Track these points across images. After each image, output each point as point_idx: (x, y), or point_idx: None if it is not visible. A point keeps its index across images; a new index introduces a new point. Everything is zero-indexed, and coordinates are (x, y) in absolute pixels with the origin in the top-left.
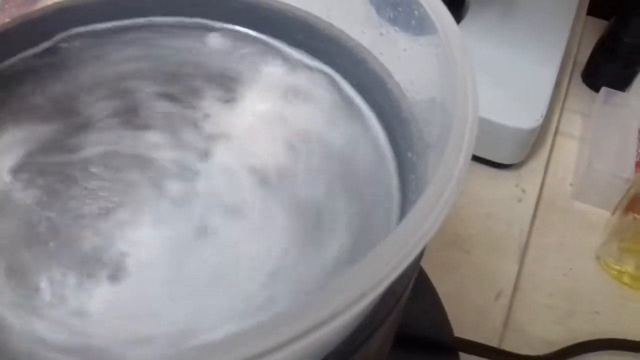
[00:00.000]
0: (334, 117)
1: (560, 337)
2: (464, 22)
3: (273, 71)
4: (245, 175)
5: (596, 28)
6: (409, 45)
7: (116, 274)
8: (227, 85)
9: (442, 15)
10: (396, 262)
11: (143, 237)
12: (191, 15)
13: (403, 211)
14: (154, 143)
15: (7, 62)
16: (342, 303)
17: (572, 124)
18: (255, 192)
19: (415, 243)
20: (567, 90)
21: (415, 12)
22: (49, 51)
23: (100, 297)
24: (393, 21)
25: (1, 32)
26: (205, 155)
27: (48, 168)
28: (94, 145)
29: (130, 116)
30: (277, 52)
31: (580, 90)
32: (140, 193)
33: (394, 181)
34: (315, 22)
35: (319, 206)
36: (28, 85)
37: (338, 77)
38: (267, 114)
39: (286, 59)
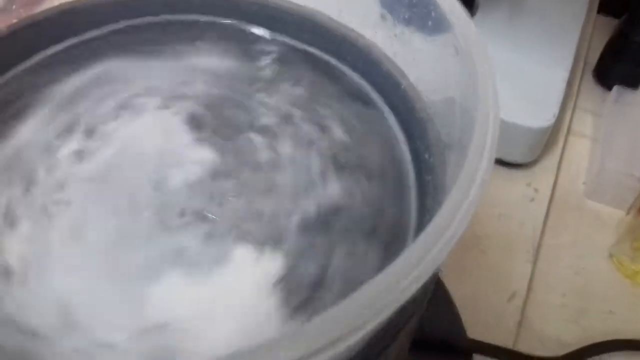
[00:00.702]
0: (351, 115)
1: (574, 337)
2: (473, 21)
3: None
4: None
5: (607, 26)
6: (424, 46)
7: None
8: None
9: (459, 15)
10: (419, 273)
11: None
12: (204, 13)
13: (420, 214)
14: None
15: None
16: (360, 318)
17: (584, 123)
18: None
19: (438, 252)
20: (578, 89)
21: (433, 14)
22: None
23: None
24: (408, 22)
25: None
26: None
27: None
28: None
29: None
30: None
31: (591, 88)
32: None
33: (412, 183)
34: (327, 22)
35: (335, 207)
36: None
37: (355, 76)
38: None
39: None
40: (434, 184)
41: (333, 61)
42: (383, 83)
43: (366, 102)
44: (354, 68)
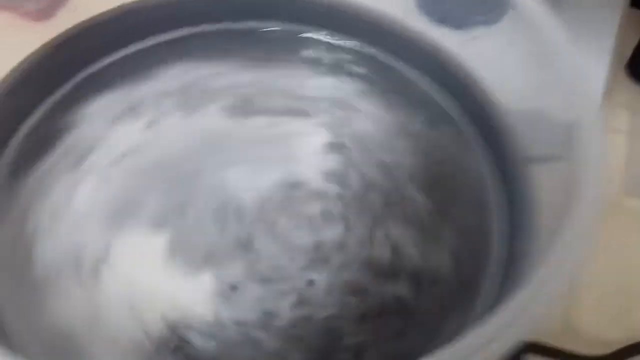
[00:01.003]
0: (436, 134)
1: (616, 336)
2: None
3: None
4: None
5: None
6: (505, 52)
7: None
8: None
9: (542, 18)
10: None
11: None
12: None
13: (513, 234)
14: None
15: None
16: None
17: (620, 119)
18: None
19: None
20: (612, 84)
21: (516, 18)
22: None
23: None
24: (487, 27)
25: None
26: None
27: None
28: None
29: None
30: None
31: (625, 83)
32: None
33: (493, 200)
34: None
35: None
36: None
37: (433, 87)
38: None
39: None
40: (519, 201)
41: (413, 74)
42: (462, 93)
43: (443, 117)
44: (434, 78)
